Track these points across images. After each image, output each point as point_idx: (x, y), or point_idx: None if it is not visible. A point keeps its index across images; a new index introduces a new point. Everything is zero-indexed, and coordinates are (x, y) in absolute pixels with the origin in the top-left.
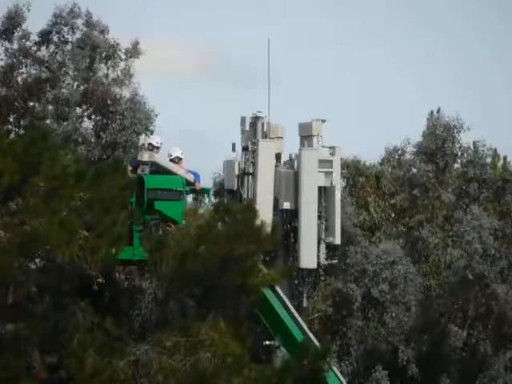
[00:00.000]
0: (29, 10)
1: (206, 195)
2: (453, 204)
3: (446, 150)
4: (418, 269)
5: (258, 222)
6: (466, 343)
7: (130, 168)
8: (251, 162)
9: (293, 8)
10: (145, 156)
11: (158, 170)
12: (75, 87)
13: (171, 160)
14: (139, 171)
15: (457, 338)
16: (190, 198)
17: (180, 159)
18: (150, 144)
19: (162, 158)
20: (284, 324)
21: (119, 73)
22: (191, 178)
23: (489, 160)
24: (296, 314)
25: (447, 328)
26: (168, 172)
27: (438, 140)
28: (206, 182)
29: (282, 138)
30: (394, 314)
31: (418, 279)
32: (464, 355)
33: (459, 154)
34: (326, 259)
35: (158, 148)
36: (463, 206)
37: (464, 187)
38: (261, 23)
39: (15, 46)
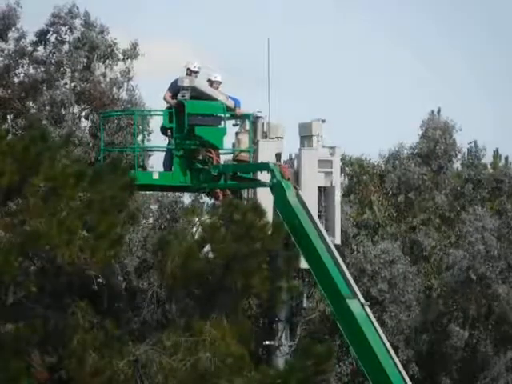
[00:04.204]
0: (21, 7)
1: (247, 121)
2: (448, 206)
3: (439, 152)
4: (417, 268)
5: (262, 221)
6: (467, 343)
7: (169, 94)
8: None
9: (293, 8)
10: (185, 81)
11: (198, 95)
12: (72, 88)
13: (211, 85)
14: (179, 96)
15: (458, 338)
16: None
17: (220, 83)
18: (188, 69)
19: (202, 84)
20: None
21: (118, 74)
22: (231, 103)
23: (489, 160)
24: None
25: (448, 328)
26: (208, 97)
27: (431, 142)
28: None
29: (282, 137)
30: (393, 314)
31: (417, 279)
32: (465, 355)
33: (454, 154)
34: None
35: (196, 73)
36: (458, 207)
37: (459, 188)
38: (261, 23)
39: (11, 47)
